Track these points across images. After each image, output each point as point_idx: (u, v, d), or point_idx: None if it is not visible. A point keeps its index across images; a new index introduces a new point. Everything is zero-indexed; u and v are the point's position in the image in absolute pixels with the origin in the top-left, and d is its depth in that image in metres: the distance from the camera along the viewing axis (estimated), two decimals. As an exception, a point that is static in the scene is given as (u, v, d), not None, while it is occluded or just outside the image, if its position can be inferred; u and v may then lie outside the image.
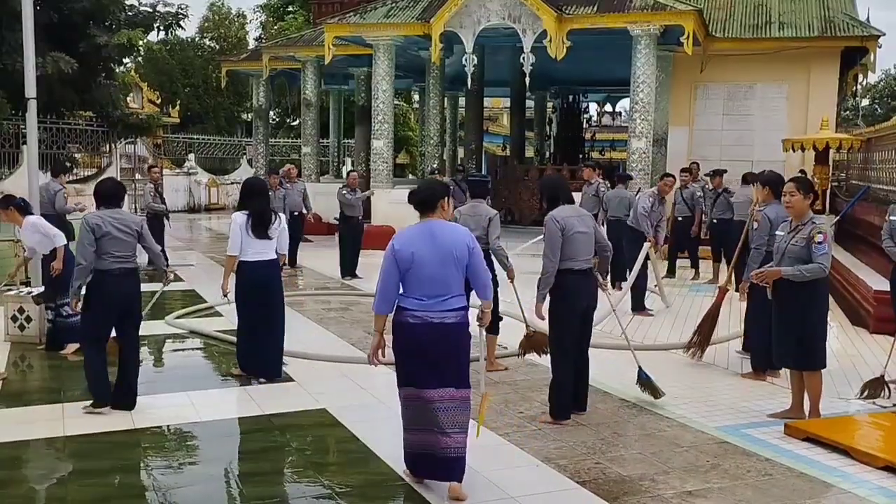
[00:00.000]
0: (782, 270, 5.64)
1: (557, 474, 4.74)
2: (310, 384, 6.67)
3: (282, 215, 6.85)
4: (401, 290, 4.38)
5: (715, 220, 12.20)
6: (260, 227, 6.52)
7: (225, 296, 6.75)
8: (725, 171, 12.78)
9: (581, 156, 25.38)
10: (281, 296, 6.85)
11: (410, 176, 26.12)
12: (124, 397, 5.92)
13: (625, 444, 5.31)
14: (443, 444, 4.35)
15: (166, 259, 12.79)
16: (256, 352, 6.72)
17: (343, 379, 6.85)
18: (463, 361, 4.45)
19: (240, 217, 6.56)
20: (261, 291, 6.63)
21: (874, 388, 6.33)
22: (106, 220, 5.78)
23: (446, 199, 4.49)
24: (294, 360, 7.38)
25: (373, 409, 6.03)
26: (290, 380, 6.82)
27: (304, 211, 13.70)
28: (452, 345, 4.38)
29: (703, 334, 7.53)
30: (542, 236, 5.79)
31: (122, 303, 5.86)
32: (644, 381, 6.17)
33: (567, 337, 5.70)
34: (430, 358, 4.33)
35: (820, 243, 5.57)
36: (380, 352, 4.51)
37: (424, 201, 4.45)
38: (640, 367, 6.23)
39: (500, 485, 4.56)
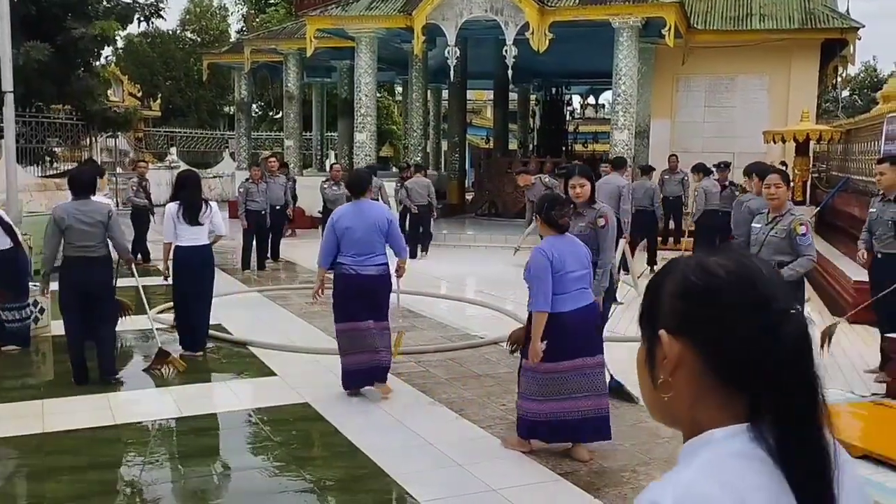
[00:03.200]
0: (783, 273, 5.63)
1: (539, 466, 4.76)
2: (292, 378, 6.66)
3: (213, 203, 7.40)
4: (340, 251, 5.94)
5: (720, 213, 11.48)
6: (191, 215, 7.16)
7: (166, 278, 7.44)
8: (730, 164, 12.69)
9: (564, 148, 25.42)
10: (211, 276, 7.47)
11: (394, 169, 26.09)
12: (100, 376, 6.43)
13: (606, 435, 5.34)
14: (377, 358, 5.95)
15: (148, 253, 12.83)
16: (187, 325, 7.36)
17: (326, 373, 6.84)
18: (383, 302, 6.05)
19: (172, 207, 7.25)
20: (193, 272, 7.26)
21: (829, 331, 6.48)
22: (70, 213, 6.31)
23: (371, 185, 6.35)
24: (276, 353, 7.37)
25: (356, 403, 6.03)
26: (273, 374, 6.81)
27: (286, 204, 13.60)
28: (378, 289, 5.99)
29: None
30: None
31: (83, 287, 6.35)
32: (615, 388, 5.89)
33: None
34: (363, 299, 5.87)
35: (804, 235, 5.63)
36: (319, 291, 6.27)
37: (356, 186, 6.19)
38: (611, 375, 6.11)
39: (482, 477, 4.58)
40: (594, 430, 4.85)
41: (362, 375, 6.02)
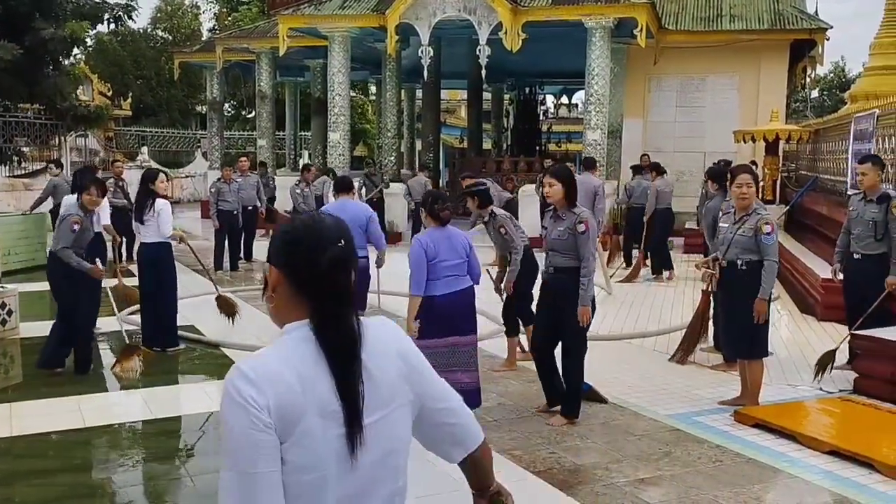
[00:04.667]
0: (760, 296, 5.64)
1: (513, 465, 4.78)
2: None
3: (158, 202, 7.45)
4: None
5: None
6: (137, 214, 7.51)
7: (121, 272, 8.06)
8: (731, 163, 11.73)
9: (538, 147, 25.51)
10: (168, 272, 7.54)
11: (367, 161, 26.09)
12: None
13: (579, 433, 5.37)
14: None
15: (124, 254, 12.69)
16: (153, 323, 7.49)
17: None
18: (363, 290, 6.91)
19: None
20: (148, 269, 7.50)
21: (824, 362, 6.48)
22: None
23: (354, 186, 7.47)
24: (248, 354, 7.33)
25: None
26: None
27: (258, 204, 13.53)
28: (358, 279, 6.06)
29: (692, 341, 7.25)
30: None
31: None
32: (586, 392, 5.86)
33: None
34: None
35: (768, 234, 5.67)
36: None
37: (341, 187, 7.30)
38: (585, 383, 6.10)
39: (454, 476, 4.57)
40: (467, 401, 5.07)
41: None
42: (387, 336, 1.70)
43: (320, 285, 1.57)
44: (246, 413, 1.46)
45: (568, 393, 5.60)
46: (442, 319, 5.28)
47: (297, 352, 1.54)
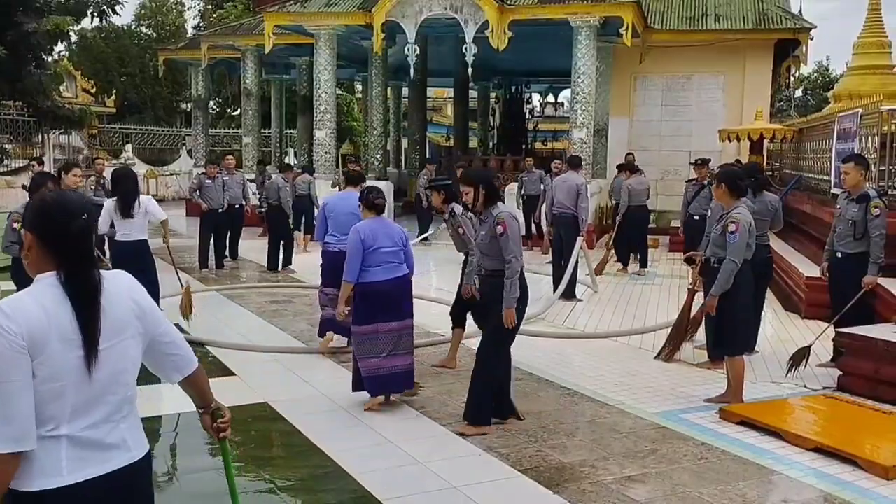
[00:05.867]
0: (711, 292, 5.83)
1: (500, 463, 4.78)
2: (251, 378, 6.61)
3: (143, 198, 7.59)
4: (328, 230, 7.29)
5: (696, 217, 10.34)
6: (124, 209, 7.44)
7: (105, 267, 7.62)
8: (710, 161, 11.45)
9: (524, 146, 25.54)
10: (149, 267, 7.49)
11: (353, 159, 26.02)
12: None
13: (566, 431, 5.38)
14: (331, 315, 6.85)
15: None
16: None
17: (285, 372, 6.80)
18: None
19: (110, 203, 7.57)
20: (129, 265, 7.10)
21: (798, 359, 6.55)
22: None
23: (362, 182, 7.34)
24: (235, 353, 7.30)
25: (315, 402, 6.00)
26: (232, 374, 6.74)
27: (244, 203, 13.45)
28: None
29: (678, 339, 7.26)
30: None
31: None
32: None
33: (512, 340, 5.48)
34: (339, 271, 6.03)
35: (732, 233, 5.72)
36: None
37: (350, 180, 7.60)
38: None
39: (441, 474, 4.58)
40: (404, 382, 5.81)
41: (332, 325, 7.07)
42: (122, 285, 2.22)
43: (68, 248, 2.08)
44: (6, 339, 1.95)
45: (468, 398, 5.40)
46: (383, 304, 5.60)
47: (45, 294, 2.04)
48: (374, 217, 5.79)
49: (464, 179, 5.52)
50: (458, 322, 6.91)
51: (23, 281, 6.62)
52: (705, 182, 10.45)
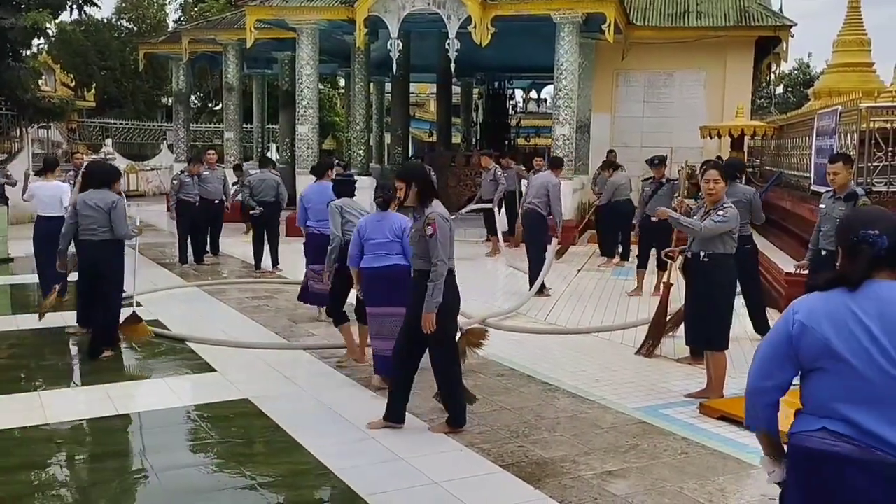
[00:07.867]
0: (669, 214, 6.32)
1: (481, 458, 4.79)
2: (232, 374, 6.58)
3: (65, 185, 8.18)
4: (308, 217, 8.37)
5: (652, 217, 9.20)
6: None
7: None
8: (666, 158, 10.52)
9: (507, 142, 25.55)
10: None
11: (337, 162, 25.93)
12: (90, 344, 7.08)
13: (547, 426, 5.40)
14: (314, 288, 8.06)
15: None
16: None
17: (266, 369, 6.77)
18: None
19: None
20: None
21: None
22: (79, 200, 7.14)
23: (331, 170, 8.80)
24: (215, 349, 7.26)
25: (296, 399, 5.98)
26: (212, 370, 6.71)
27: (224, 198, 13.33)
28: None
29: (656, 335, 7.31)
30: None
31: (88, 265, 7.14)
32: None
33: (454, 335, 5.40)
34: (322, 252, 7.24)
35: (721, 217, 5.85)
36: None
37: (317, 170, 8.99)
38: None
39: (423, 470, 4.58)
40: (387, 369, 5.93)
41: (317, 298, 8.10)
42: None
43: None
44: None
45: (445, 404, 5.35)
46: (373, 288, 6.11)
47: None
48: (379, 212, 6.21)
49: (397, 175, 5.36)
50: (341, 319, 7.09)
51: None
52: (663, 181, 10.18)
